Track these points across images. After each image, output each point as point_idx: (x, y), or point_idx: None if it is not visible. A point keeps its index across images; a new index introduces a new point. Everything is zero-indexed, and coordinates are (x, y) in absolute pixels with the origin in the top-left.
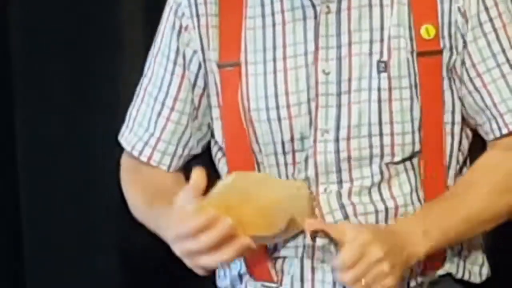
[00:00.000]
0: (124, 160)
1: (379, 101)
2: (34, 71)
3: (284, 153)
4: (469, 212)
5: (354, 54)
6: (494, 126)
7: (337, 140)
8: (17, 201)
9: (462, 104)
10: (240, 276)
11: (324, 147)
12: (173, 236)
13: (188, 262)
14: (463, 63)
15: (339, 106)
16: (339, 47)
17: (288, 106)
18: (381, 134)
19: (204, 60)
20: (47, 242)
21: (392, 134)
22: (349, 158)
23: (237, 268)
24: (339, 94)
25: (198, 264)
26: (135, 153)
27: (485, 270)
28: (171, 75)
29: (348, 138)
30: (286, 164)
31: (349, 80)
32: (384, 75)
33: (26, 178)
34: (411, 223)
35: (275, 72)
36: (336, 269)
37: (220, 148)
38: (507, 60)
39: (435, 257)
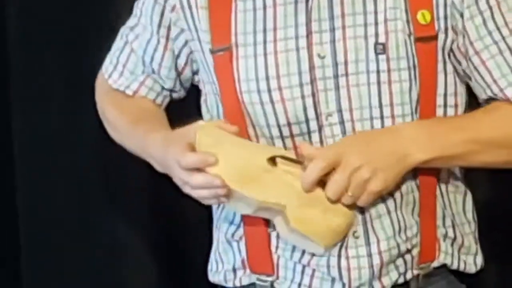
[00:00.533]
0: (102, 82)
1: (379, 83)
2: (32, 69)
3: (282, 137)
4: (483, 131)
5: (349, 37)
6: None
7: (342, 122)
8: (14, 200)
9: (467, 84)
10: (234, 271)
11: (331, 131)
12: (173, 157)
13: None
14: (463, 41)
15: (337, 88)
16: (332, 30)
17: (280, 89)
18: (382, 117)
19: (199, 40)
20: (45, 241)
21: (392, 116)
22: None
23: (231, 263)
24: (336, 77)
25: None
26: (129, 92)
27: (479, 260)
28: (156, 43)
29: (352, 121)
30: (285, 149)
31: (345, 63)
32: (382, 57)
33: (24, 176)
34: (413, 126)
35: (265, 54)
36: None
37: None
38: (503, 37)
39: (430, 249)
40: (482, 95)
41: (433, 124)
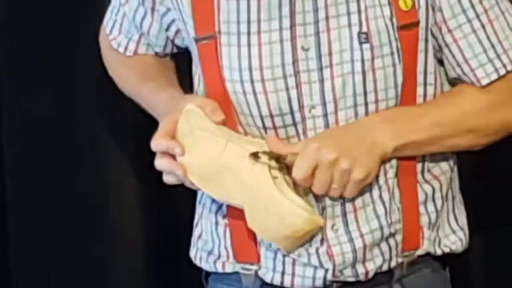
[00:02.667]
0: (104, 37)
1: (363, 72)
2: (21, 51)
3: (264, 127)
4: (448, 116)
5: (332, 28)
6: (468, 81)
7: (325, 115)
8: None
9: (441, 61)
10: (219, 255)
11: (313, 123)
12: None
13: None
14: (439, 18)
15: (321, 81)
16: (316, 22)
17: (262, 81)
18: (366, 103)
19: (184, 22)
20: (33, 222)
21: (376, 101)
22: None
23: (210, 243)
24: (320, 69)
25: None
26: (129, 54)
27: (463, 235)
28: (144, 13)
29: (336, 112)
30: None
31: (330, 54)
32: (366, 46)
33: (12, 164)
34: (376, 115)
35: (249, 45)
36: (299, 184)
37: None
38: (477, 15)
39: (413, 236)
40: (451, 73)
41: (395, 112)
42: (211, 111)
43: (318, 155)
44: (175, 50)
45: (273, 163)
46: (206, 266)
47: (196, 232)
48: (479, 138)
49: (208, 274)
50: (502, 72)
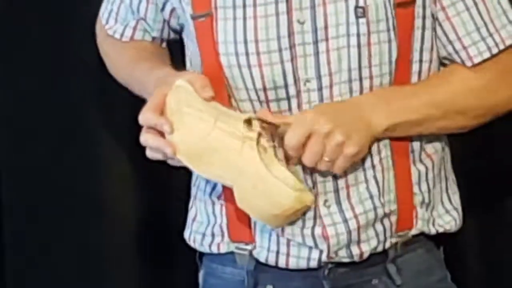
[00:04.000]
0: (101, 27)
1: (358, 46)
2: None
3: (259, 101)
4: (440, 96)
5: (328, 2)
6: (458, 60)
7: (320, 89)
8: None
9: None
10: (213, 235)
11: (308, 97)
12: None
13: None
14: None
15: (317, 54)
16: None
17: (258, 54)
18: (360, 78)
19: (179, 0)
20: (27, 198)
21: (371, 77)
22: None
23: (205, 224)
24: (315, 42)
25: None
26: (126, 39)
27: (456, 215)
28: None
29: (331, 86)
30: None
31: (326, 27)
32: (362, 20)
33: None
34: (371, 95)
35: (244, 18)
36: (290, 154)
37: None
38: None
39: (407, 216)
40: (441, 52)
41: (389, 92)
42: (200, 87)
43: (314, 124)
44: (171, 35)
45: (266, 132)
46: (201, 248)
47: (191, 214)
48: (468, 119)
49: (202, 253)
50: (495, 50)
